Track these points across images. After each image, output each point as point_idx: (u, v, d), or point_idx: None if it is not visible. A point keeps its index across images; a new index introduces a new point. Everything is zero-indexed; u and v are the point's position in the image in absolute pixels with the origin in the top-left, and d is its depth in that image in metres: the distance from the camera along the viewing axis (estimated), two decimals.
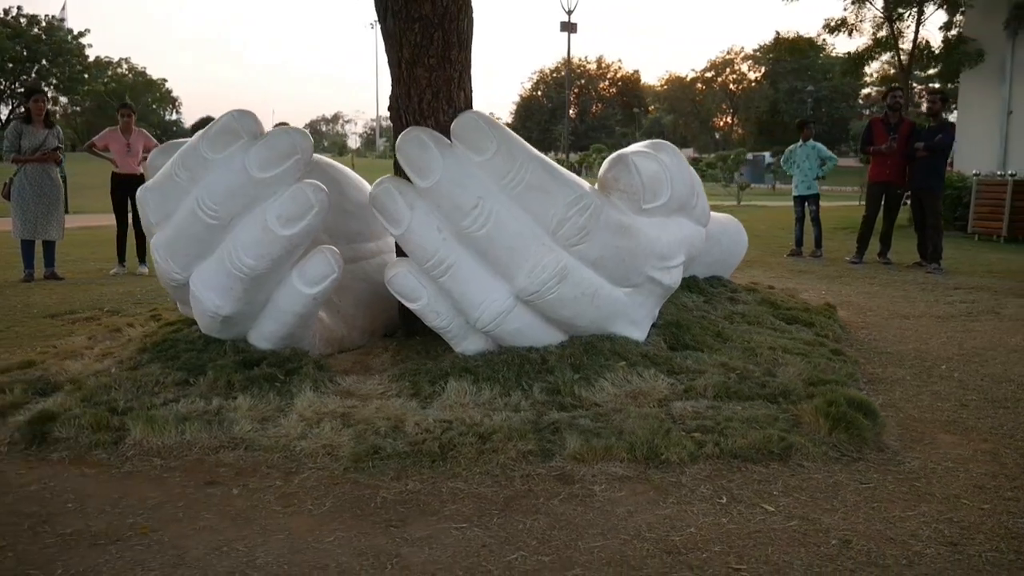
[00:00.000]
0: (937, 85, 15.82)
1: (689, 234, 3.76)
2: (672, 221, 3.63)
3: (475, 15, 3.69)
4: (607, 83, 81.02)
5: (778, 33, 15.30)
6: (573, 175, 3.29)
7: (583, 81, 79.01)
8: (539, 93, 77.78)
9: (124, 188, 7.58)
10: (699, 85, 76.58)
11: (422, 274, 3.31)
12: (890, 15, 13.93)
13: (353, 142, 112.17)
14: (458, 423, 2.83)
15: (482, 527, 2.20)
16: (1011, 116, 12.71)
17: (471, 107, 3.81)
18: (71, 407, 2.91)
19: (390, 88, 3.92)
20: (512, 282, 3.22)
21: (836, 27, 14.56)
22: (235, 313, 3.34)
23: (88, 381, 3.18)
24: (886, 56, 15.27)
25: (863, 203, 9.40)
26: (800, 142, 8.91)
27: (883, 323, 5.12)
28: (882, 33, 14.16)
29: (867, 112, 69.02)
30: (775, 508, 2.33)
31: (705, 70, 76.35)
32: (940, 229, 7.88)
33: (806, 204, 8.89)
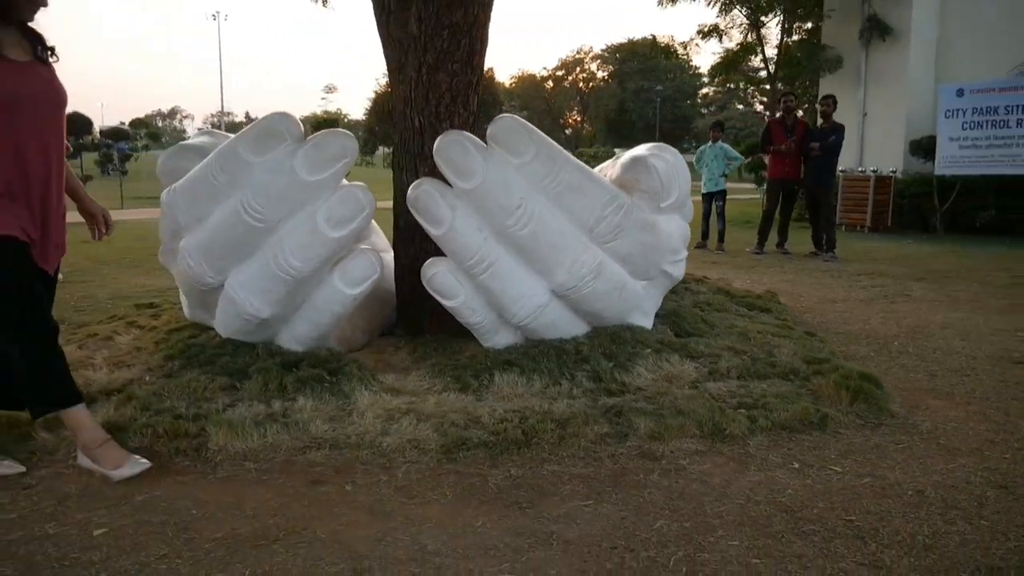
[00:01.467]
0: (782, 87, 17.21)
1: (684, 229, 4.07)
2: (673, 217, 3.92)
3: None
4: None
5: (654, 36, 16.16)
6: (602, 177, 3.51)
7: None
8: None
9: None
10: (549, 83, 78.50)
11: (459, 272, 3.42)
12: (755, 21, 15.03)
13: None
14: (529, 412, 2.99)
15: (608, 503, 2.38)
16: (866, 118, 14.02)
17: (479, 110, 3.95)
18: (135, 416, 2.84)
19: (395, 91, 3.99)
20: (551, 278, 3.40)
21: (708, 32, 15.54)
22: (272, 316, 3.34)
23: (135, 390, 3.08)
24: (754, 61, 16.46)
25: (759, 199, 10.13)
26: (710, 143, 9.54)
27: (817, 307, 5.66)
28: (749, 38, 15.25)
29: (705, 112, 73.26)
30: (842, 469, 2.65)
31: (556, 68, 78.36)
32: (833, 221, 8.69)
33: (713, 200, 9.53)
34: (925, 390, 3.59)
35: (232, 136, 3.58)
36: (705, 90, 72.86)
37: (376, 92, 77.48)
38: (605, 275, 3.46)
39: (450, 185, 3.37)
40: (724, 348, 3.81)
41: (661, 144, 4.05)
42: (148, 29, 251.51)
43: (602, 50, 74.68)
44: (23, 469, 2.56)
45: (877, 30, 13.48)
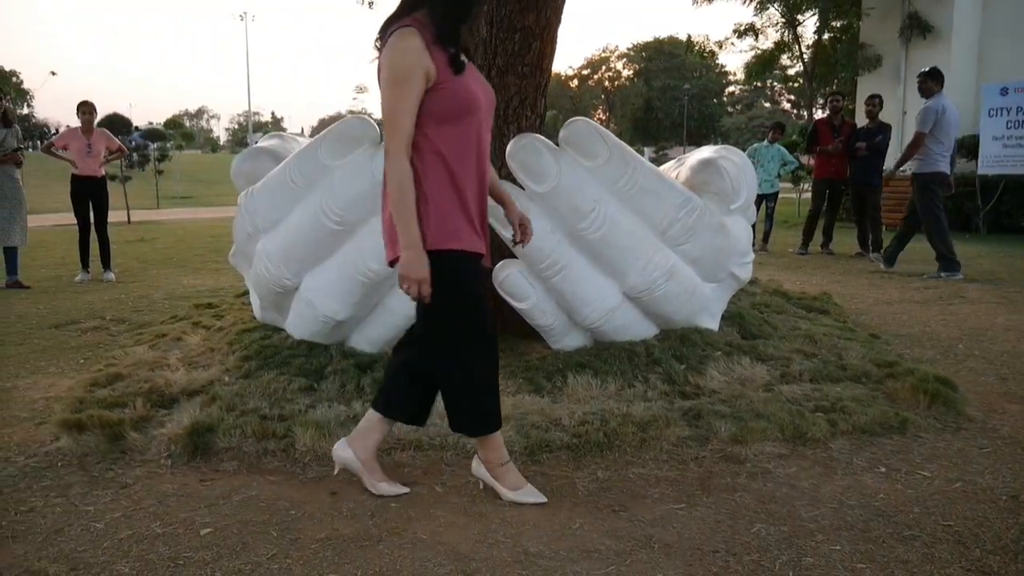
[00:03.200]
0: (817, 86, 17.06)
1: (750, 232, 4.06)
2: (740, 220, 3.91)
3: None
4: None
5: (690, 36, 16.14)
6: (674, 179, 3.52)
7: None
8: None
9: (84, 191, 7.25)
10: (574, 83, 78.35)
11: (531, 275, 3.44)
12: (791, 20, 14.93)
13: (221, 138, 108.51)
14: (609, 414, 3.00)
15: (701, 506, 2.39)
16: (906, 117, 13.84)
17: (545, 112, 3.96)
18: (222, 417, 2.89)
19: None
20: (623, 280, 3.41)
21: (745, 31, 15.46)
22: (348, 318, 3.38)
23: (218, 391, 3.14)
24: (785, 60, 16.36)
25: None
26: (766, 142, 9.42)
27: (873, 309, 5.61)
28: (785, 37, 15.15)
29: (731, 110, 72.83)
30: (931, 474, 2.63)
31: (582, 67, 78.12)
32: (880, 221, 8.60)
33: (765, 201, 9.39)
34: (998, 394, 3.55)
35: (307, 139, 3.63)
36: (731, 88, 72.49)
37: None
38: (677, 277, 3.46)
39: (522, 188, 3.39)
40: (793, 351, 3.79)
41: (727, 146, 4.04)
42: (174, 29, 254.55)
43: (628, 49, 74.42)
44: (407, 490, 2.48)
45: (917, 28, 13.34)
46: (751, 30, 15.36)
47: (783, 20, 15.01)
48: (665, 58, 69.12)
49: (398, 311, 3.43)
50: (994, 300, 5.90)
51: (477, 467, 2.50)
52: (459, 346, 2.30)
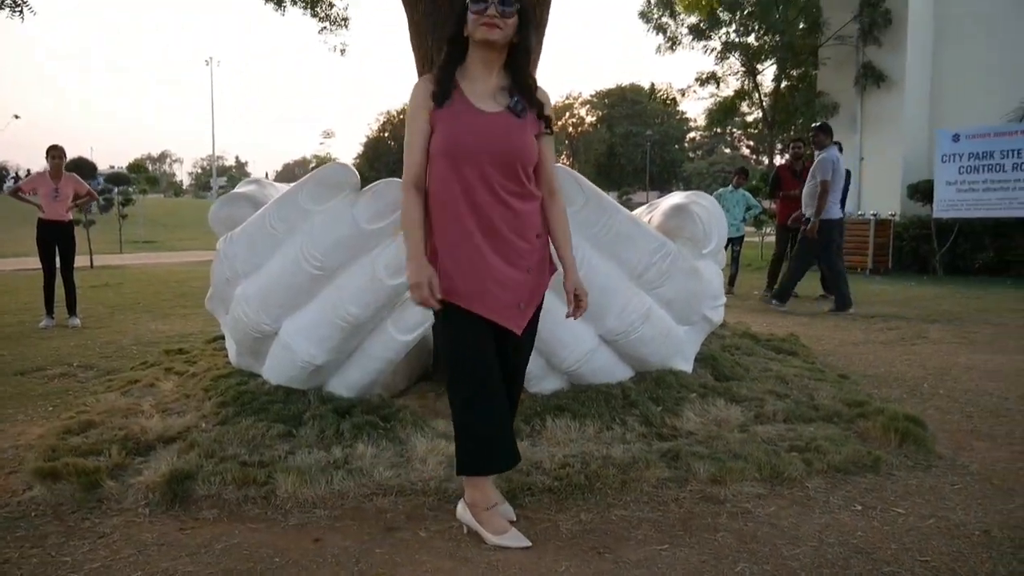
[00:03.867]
0: (776, 131, 17.56)
1: (720, 275, 4.15)
2: (711, 263, 4.00)
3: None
4: None
5: (653, 84, 16.55)
6: (648, 224, 3.60)
7: None
8: (386, 134, 78.07)
9: (51, 235, 7.17)
10: None
11: None
12: (752, 68, 15.38)
13: (184, 182, 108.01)
14: (589, 457, 3.02)
15: (684, 547, 2.41)
16: (863, 162, 14.28)
17: None
18: (201, 464, 2.86)
19: None
20: (600, 323, 3.46)
21: (706, 79, 15.88)
22: (327, 362, 3.38)
23: (196, 437, 3.11)
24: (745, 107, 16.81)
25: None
26: (731, 187, 9.64)
27: (840, 350, 5.73)
28: (745, 85, 15.59)
29: (692, 156, 74.33)
30: (905, 510, 2.69)
31: None
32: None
33: (731, 245, 9.58)
34: (965, 431, 3.64)
35: (285, 185, 3.65)
36: (692, 134, 73.98)
37: (368, 137, 78.30)
38: (652, 320, 3.53)
39: None
40: (765, 392, 3.86)
41: (698, 192, 4.15)
42: (137, 72, 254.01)
43: (591, 96, 75.78)
44: (529, 543, 2.41)
45: (872, 77, 13.83)
46: (713, 78, 15.82)
47: (743, 68, 15.48)
48: (627, 105, 70.45)
49: (377, 355, 3.44)
50: (955, 340, 6.06)
51: (462, 512, 2.50)
52: (452, 386, 2.37)
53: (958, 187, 12.09)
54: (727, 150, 74.07)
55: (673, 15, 15.36)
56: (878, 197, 13.74)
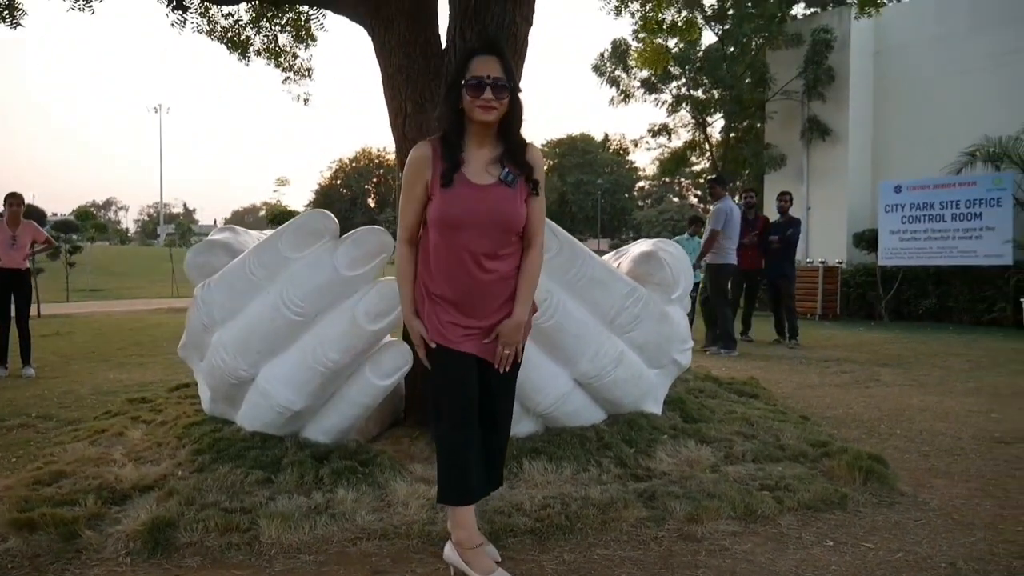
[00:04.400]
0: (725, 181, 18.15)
1: (687, 320, 4.28)
2: (678, 308, 4.13)
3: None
4: None
5: (607, 135, 16.94)
6: (618, 271, 3.71)
7: (382, 171, 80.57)
8: (338, 182, 78.06)
9: (7, 283, 7.04)
10: None
11: None
12: (702, 120, 15.89)
13: (129, 229, 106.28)
14: (568, 498, 3.08)
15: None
16: (810, 212, 14.78)
17: None
18: (181, 512, 2.84)
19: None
20: (575, 367, 3.55)
21: (658, 131, 16.35)
22: (304, 408, 3.40)
23: (174, 485, 3.08)
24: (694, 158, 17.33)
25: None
26: (687, 235, 9.92)
27: (797, 393, 5.89)
28: (696, 136, 16.10)
29: (642, 204, 75.85)
30: (874, 545, 2.79)
31: None
32: (794, 310, 9.08)
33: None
34: (923, 470, 3.79)
35: (259, 233, 3.69)
36: (641, 183, 75.51)
37: (320, 184, 78.14)
38: (625, 364, 3.62)
39: None
40: (733, 433, 3.97)
41: (663, 239, 4.30)
42: (82, 119, 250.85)
43: (543, 145, 77.07)
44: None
45: (817, 131, 14.39)
46: (664, 129, 16.34)
47: (693, 120, 16.01)
48: (578, 154, 71.71)
49: (355, 400, 3.47)
50: (906, 383, 6.28)
51: (449, 553, 2.53)
52: (437, 421, 2.50)
53: (901, 236, 12.58)
54: (676, 199, 75.73)
55: (626, 69, 15.87)
56: (826, 245, 14.20)
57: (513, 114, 2.42)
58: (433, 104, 4.16)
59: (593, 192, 66.25)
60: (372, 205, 77.20)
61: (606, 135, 19.16)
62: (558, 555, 2.71)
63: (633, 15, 7.45)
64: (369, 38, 4.37)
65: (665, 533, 2.90)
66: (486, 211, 2.36)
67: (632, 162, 71.37)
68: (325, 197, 74.51)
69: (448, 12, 3.60)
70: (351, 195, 76.15)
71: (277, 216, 19.24)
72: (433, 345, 2.42)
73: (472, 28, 3.43)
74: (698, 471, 3.44)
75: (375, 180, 79.36)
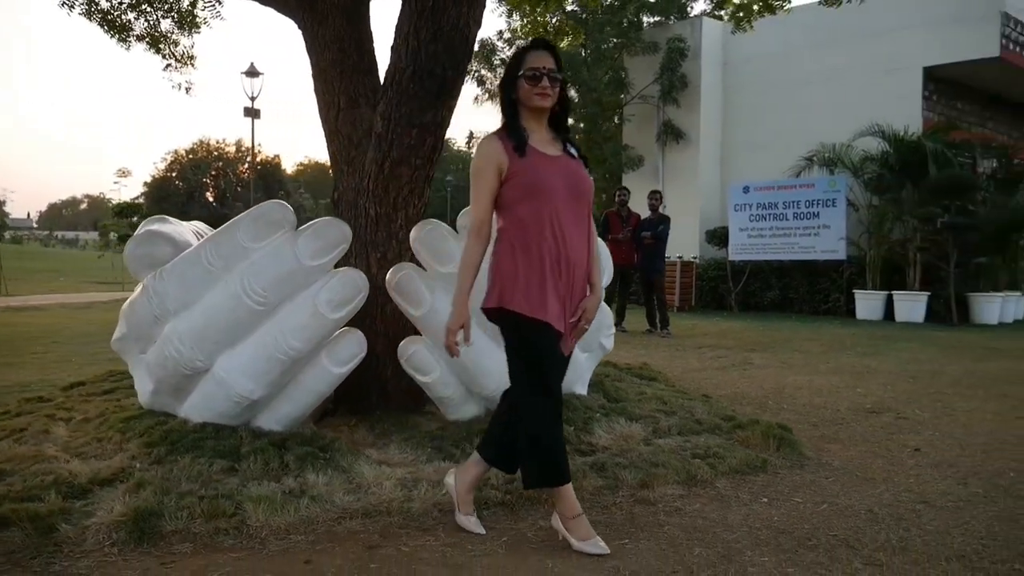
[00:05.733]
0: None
1: (606, 307, 4.61)
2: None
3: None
4: (246, 166, 79.89)
5: (471, 132, 17.17)
6: None
7: (221, 163, 77.29)
8: (173, 175, 74.16)
9: None
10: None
11: (435, 350, 3.70)
12: None
13: None
14: None
15: (641, 540, 2.74)
16: (665, 210, 15.67)
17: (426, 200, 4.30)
18: (160, 501, 2.82)
19: (343, 181, 4.26)
20: None
21: None
22: (263, 397, 3.43)
23: (143, 477, 3.04)
24: None
25: None
26: None
27: (686, 376, 6.39)
28: None
29: None
30: (801, 499, 3.20)
31: None
32: (665, 302, 9.71)
33: None
34: (816, 437, 4.29)
35: (193, 224, 3.67)
36: (451, 179, 76.66)
37: (153, 176, 73.72)
38: None
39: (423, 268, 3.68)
40: (653, 410, 4.33)
41: None
42: None
43: None
44: (608, 551, 2.60)
45: (671, 134, 15.31)
46: None
47: None
48: None
49: (310, 388, 3.53)
50: (776, 365, 6.95)
51: (554, 520, 2.75)
52: (525, 399, 2.65)
53: (749, 233, 13.66)
54: None
55: (491, 68, 16.20)
56: (681, 242, 15.11)
57: (563, 103, 2.71)
58: (367, 99, 4.26)
59: (442, 189, 66.54)
60: (211, 199, 73.92)
61: (471, 133, 19.41)
62: (534, 523, 2.93)
63: (523, 17, 7.76)
64: (300, 31, 4.40)
65: (621, 499, 3.18)
66: (563, 176, 2.63)
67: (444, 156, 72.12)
68: (159, 190, 70.46)
69: (400, 11, 3.71)
70: (187, 188, 72.59)
71: (124, 209, 18.14)
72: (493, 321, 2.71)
73: (427, 28, 3.57)
74: (633, 444, 3.76)
75: (213, 173, 76.05)
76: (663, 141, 15.48)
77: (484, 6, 3.69)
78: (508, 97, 2.69)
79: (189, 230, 3.99)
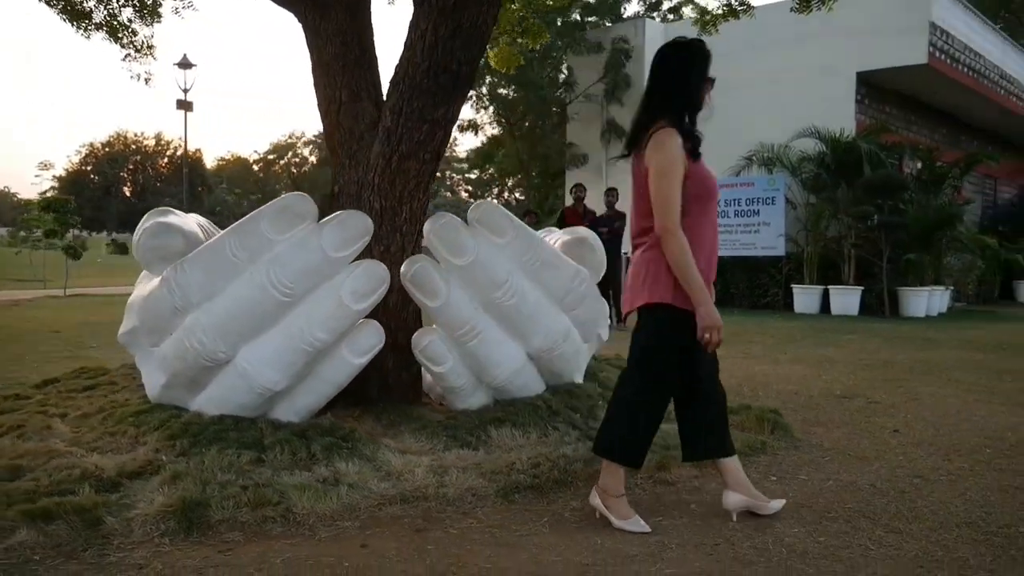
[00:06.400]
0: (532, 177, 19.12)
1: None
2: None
3: None
4: (166, 160, 77.57)
5: None
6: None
7: (139, 157, 74.86)
8: (88, 168, 71.49)
9: None
10: (258, 166, 77.84)
11: (448, 340, 3.78)
12: (508, 118, 16.66)
13: None
14: (552, 457, 3.41)
15: (673, 517, 2.90)
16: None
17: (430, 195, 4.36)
18: (202, 491, 2.83)
19: (346, 175, 4.28)
20: (528, 342, 3.87)
21: (467, 127, 16.90)
22: (286, 388, 3.45)
23: (177, 468, 3.03)
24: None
25: None
26: None
27: None
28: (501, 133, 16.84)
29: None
30: (807, 477, 3.41)
31: (268, 152, 77.86)
32: (620, 296, 9.94)
33: None
34: (800, 421, 4.53)
35: (189, 215, 3.65)
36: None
37: (67, 170, 70.74)
38: (570, 339, 4.01)
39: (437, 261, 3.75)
40: None
41: (576, 228, 4.73)
42: None
43: (314, 136, 75.24)
44: (649, 529, 2.75)
45: (615, 133, 15.62)
46: (472, 126, 16.97)
47: (501, 118, 16.74)
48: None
49: (329, 379, 3.56)
50: (739, 356, 7.23)
51: (593, 497, 2.90)
52: (649, 384, 2.82)
53: None
54: (448, 193, 77.28)
55: None
56: (625, 239, 15.46)
57: None
58: (368, 93, 4.30)
59: None
60: (128, 194, 71.48)
61: None
62: (566, 503, 3.05)
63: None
64: (299, 24, 4.40)
65: (641, 480, 3.33)
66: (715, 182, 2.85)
67: None
68: (73, 184, 67.66)
69: (415, 7, 3.77)
70: (103, 183, 70.09)
71: (51, 204, 17.41)
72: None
73: (447, 25, 3.64)
74: None
75: (131, 167, 73.61)
76: (607, 139, 15.78)
77: (500, 4, 3.77)
78: (694, 98, 2.82)
79: (194, 222, 3.97)
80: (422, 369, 4.18)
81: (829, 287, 12.59)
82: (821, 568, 2.43)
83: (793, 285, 13.05)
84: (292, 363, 3.39)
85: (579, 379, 4.41)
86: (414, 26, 3.77)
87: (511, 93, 16.42)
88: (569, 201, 10.89)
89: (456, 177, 65.42)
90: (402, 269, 3.76)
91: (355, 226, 3.45)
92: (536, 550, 2.59)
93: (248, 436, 3.39)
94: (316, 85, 4.39)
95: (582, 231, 4.50)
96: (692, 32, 14.28)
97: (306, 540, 2.66)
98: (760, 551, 2.57)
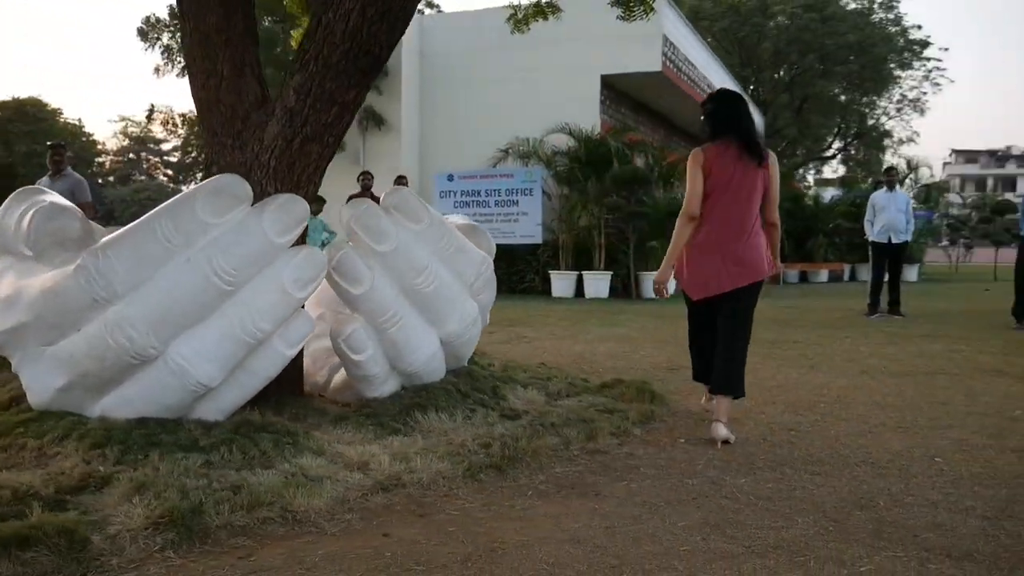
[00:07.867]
0: None
1: None
2: None
3: None
4: None
5: (152, 105, 15.38)
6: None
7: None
8: None
9: None
10: None
11: (368, 328, 3.73)
12: None
13: None
14: (489, 437, 3.52)
15: (636, 481, 3.19)
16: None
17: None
18: (184, 497, 2.59)
19: (231, 156, 4.01)
20: (444, 328, 3.94)
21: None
22: (220, 383, 3.21)
23: (137, 477, 2.71)
24: None
25: None
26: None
27: (490, 351, 6.85)
28: None
29: (101, 182, 69.37)
30: (705, 436, 3.88)
31: None
32: None
33: None
34: (660, 391, 5.04)
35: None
36: (101, 159, 69.04)
37: None
38: (477, 324, 4.14)
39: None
40: (535, 377, 4.75)
41: (463, 217, 4.83)
42: None
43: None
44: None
45: (373, 120, 15.56)
46: None
47: None
48: (30, 121, 62.63)
49: (259, 373, 3.36)
50: (547, 336, 7.73)
51: (719, 429, 3.72)
52: (749, 335, 3.92)
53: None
54: (143, 177, 70.93)
55: (174, 36, 14.91)
56: None
57: None
58: (252, 69, 4.05)
59: (44, 162, 58.32)
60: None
61: (152, 106, 17.28)
62: (533, 477, 3.22)
63: None
64: None
65: (577, 452, 3.58)
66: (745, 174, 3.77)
67: (90, 135, 64.76)
68: None
69: None
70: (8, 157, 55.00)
71: None
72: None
73: (375, 7, 3.54)
74: (547, 406, 4.15)
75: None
76: (364, 127, 15.65)
77: None
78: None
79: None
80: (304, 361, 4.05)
81: (583, 272, 13.68)
82: (795, 497, 2.87)
83: (550, 271, 13.98)
84: (232, 356, 3.17)
85: (466, 361, 4.54)
86: (335, 5, 3.64)
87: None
88: (356, 188, 10.77)
89: (153, 159, 60.32)
90: (326, 257, 3.64)
91: (296, 210, 3.30)
92: (545, 519, 2.73)
93: (182, 439, 3.12)
94: (190, 58, 4.03)
95: (465, 219, 4.62)
96: (478, 24, 14.32)
97: (321, 536, 2.56)
98: (733, 498, 2.94)
